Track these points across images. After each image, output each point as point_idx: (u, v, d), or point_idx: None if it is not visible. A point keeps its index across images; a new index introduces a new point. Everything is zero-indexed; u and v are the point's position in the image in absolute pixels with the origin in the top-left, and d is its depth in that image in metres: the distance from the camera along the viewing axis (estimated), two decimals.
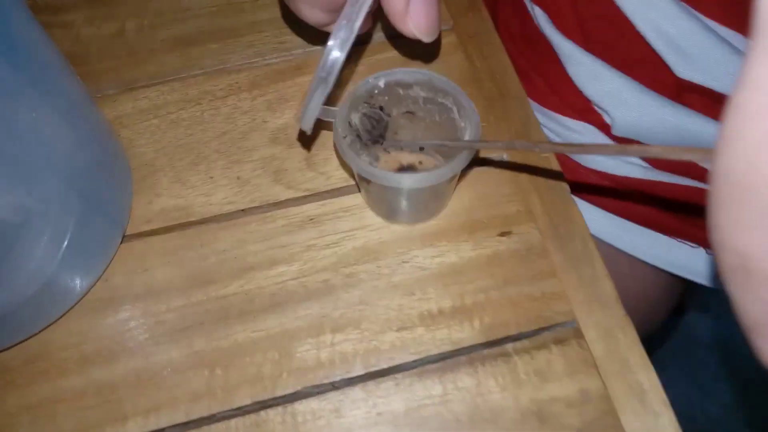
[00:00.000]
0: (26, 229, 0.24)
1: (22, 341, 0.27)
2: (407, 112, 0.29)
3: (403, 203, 0.29)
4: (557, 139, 0.38)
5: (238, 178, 0.31)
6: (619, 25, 0.34)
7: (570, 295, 0.28)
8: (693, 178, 0.36)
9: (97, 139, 0.28)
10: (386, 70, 0.27)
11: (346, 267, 0.29)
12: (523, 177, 0.31)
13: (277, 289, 0.28)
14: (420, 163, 0.31)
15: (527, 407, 0.25)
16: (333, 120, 0.26)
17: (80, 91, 0.27)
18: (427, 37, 0.25)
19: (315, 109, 0.24)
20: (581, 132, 0.36)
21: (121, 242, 0.29)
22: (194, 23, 0.37)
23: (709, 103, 0.34)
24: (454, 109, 0.27)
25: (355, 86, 0.27)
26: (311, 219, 0.30)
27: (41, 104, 0.24)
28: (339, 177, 0.31)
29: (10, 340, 0.27)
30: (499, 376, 0.26)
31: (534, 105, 0.38)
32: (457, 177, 0.28)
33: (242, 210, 0.30)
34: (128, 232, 0.30)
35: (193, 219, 0.30)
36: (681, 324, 0.95)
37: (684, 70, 0.33)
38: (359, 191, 0.31)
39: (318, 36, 0.35)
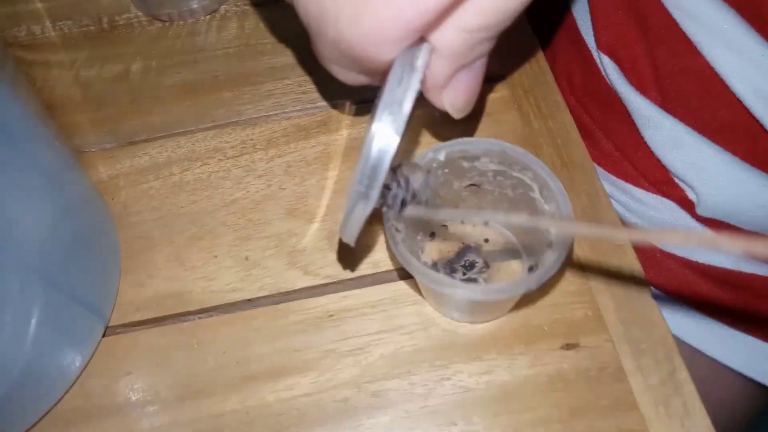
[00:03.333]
0: None
1: None
2: (471, 184, 0.24)
3: (461, 306, 0.23)
4: (628, 216, 0.31)
5: (246, 258, 0.26)
6: (708, 84, 0.28)
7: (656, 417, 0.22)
8: None
9: (77, 211, 0.24)
10: (445, 141, 0.22)
11: (372, 382, 0.23)
12: (592, 271, 0.25)
13: (284, 408, 0.23)
14: (486, 241, 0.25)
15: None
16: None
17: (60, 158, 0.23)
18: (459, 115, 0.21)
19: (358, 222, 0.19)
20: (658, 208, 0.30)
21: (104, 335, 0.25)
22: (207, 67, 0.32)
23: None
24: (535, 187, 0.22)
25: (409, 162, 0.22)
26: (331, 315, 0.25)
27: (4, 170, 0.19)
28: (369, 262, 0.26)
29: None
30: None
31: (601, 172, 0.32)
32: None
33: (249, 300, 0.25)
34: (112, 323, 0.25)
35: (190, 308, 0.25)
36: None
37: None
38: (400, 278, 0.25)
39: (350, 87, 0.30)
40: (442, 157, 0.22)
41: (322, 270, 0.26)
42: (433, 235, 0.26)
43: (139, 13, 0.35)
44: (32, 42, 0.34)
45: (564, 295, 0.25)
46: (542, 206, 0.22)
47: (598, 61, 0.32)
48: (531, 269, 0.24)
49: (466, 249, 0.25)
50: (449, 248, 0.25)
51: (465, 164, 0.23)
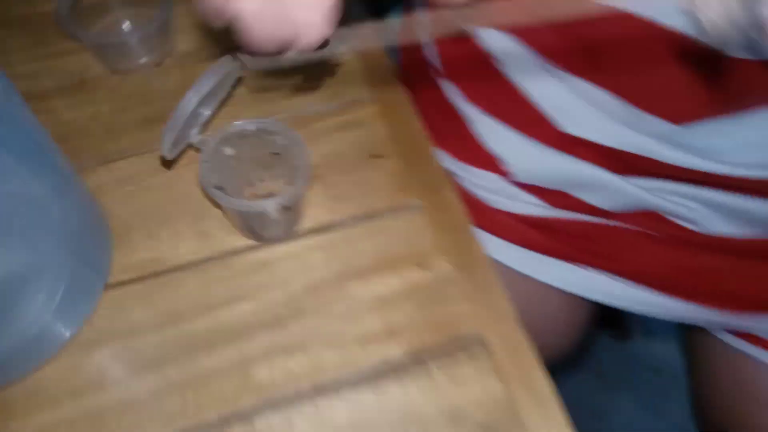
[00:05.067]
0: (27, 285, 0.30)
1: (20, 379, 0.33)
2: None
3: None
4: (471, 188, 0.45)
5: (202, 231, 0.38)
6: (512, 94, 0.42)
7: (478, 315, 0.35)
8: (583, 212, 0.44)
9: (83, 205, 0.34)
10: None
11: (295, 302, 0.35)
12: (436, 220, 0.38)
13: (236, 323, 0.34)
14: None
15: (444, 409, 0.32)
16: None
17: (66, 167, 0.34)
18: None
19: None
20: (488, 179, 0.44)
21: (104, 291, 0.35)
22: (159, 104, 0.44)
23: (593, 153, 0.42)
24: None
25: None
26: (264, 264, 0.36)
27: (35, 180, 0.30)
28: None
29: (9, 379, 0.32)
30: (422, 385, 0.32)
31: (451, 159, 0.46)
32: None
33: (207, 258, 0.37)
34: (109, 282, 0.36)
35: (164, 268, 0.36)
36: (630, 350, 1.02)
37: (568, 127, 0.42)
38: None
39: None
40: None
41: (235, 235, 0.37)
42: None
43: (101, 70, 0.46)
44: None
45: (417, 237, 0.37)
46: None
47: (441, 83, 0.47)
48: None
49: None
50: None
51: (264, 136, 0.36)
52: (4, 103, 0.27)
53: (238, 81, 0.43)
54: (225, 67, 0.38)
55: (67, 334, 0.33)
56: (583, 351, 1.03)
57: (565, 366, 1.00)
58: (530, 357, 0.33)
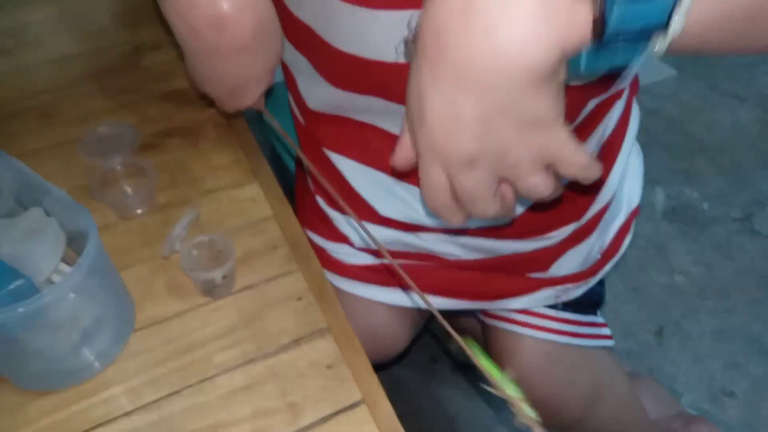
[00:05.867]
0: (101, 328, 0.62)
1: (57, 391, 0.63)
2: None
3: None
4: (329, 252, 0.81)
5: (182, 294, 0.71)
6: (350, 191, 0.78)
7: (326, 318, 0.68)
8: (397, 258, 0.79)
9: (121, 287, 0.67)
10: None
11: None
12: (305, 271, 0.72)
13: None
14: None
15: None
16: None
17: (115, 270, 0.67)
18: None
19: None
20: (340, 248, 0.80)
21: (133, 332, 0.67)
22: (154, 234, 0.78)
23: (398, 224, 0.78)
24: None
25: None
26: (215, 309, 0.70)
27: (105, 281, 0.63)
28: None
29: (53, 387, 0.63)
30: None
31: (316, 236, 0.82)
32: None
33: (186, 309, 0.69)
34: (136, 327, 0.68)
35: (163, 318, 0.69)
36: None
37: (380, 210, 0.78)
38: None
39: None
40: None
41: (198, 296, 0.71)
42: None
43: (114, 218, 0.80)
44: None
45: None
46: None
47: (313, 193, 0.83)
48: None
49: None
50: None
51: (212, 243, 0.70)
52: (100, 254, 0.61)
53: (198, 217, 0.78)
54: (190, 213, 0.73)
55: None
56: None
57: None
58: (361, 350, 0.66)
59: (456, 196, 0.40)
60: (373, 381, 0.63)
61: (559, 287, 0.80)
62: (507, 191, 0.40)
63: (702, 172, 1.84)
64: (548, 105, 0.34)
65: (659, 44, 0.33)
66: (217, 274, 0.66)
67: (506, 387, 0.43)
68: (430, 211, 0.44)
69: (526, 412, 0.41)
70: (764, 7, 0.32)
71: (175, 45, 1.07)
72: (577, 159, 0.37)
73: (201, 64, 0.62)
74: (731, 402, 1.37)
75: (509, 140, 0.35)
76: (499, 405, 1.36)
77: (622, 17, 0.30)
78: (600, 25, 0.31)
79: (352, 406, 0.61)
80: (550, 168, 0.38)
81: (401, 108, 0.42)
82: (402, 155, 0.43)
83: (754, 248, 1.65)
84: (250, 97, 0.66)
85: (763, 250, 1.64)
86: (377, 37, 0.51)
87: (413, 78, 0.37)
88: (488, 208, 0.40)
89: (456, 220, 0.43)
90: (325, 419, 0.60)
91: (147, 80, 1.01)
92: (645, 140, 1.94)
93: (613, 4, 0.30)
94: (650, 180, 1.83)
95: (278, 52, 0.63)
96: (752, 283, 1.58)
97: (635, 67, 0.59)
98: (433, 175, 0.39)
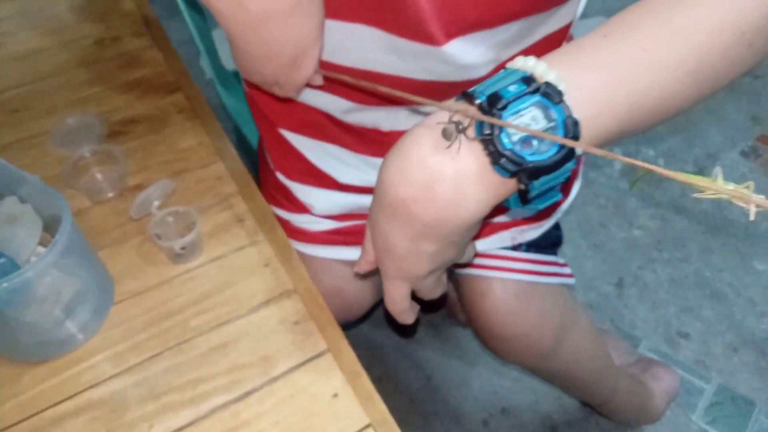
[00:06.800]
0: (83, 300, 0.68)
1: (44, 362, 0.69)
2: None
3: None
4: (293, 222, 0.87)
5: (158, 264, 0.76)
6: (310, 167, 0.84)
7: (292, 282, 0.74)
8: (356, 219, 0.86)
9: (99, 265, 0.72)
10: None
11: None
12: (273, 241, 0.78)
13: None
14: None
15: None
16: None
17: (92, 251, 0.72)
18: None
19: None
20: (303, 217, 0.86)
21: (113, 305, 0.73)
22: (125, 206, 0.83)
23: (356, 188, 0.84)
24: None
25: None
26: (187, 271, 0.75)
27: (83, 261, 0.68)
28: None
29: (42, 358, 0.69)
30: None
31: (281, 210, 0.88)
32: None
33: (166, 279, 0.75)
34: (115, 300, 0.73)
35: (144, 289, 0.74)
36: None
37: (340, 178, 0.84)
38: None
39: None
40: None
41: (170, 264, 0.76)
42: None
43: (89, 202, 0.84)
44: None
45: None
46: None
47: (274, 169, 0.89)
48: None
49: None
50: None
51: (185, 213, 0.76)
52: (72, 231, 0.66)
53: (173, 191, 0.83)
54: (164, 182, 0.78)
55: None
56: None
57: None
58: (325, 306, 0.73)
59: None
60: (336, 332, 0.69)
61: (514, 229, 0.87)
62: (443, 277, 0.56)
63: (657, 131, 1.92)
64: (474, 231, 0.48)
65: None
66: (176, 244, 0.72)
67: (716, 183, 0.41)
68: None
69: (754, 197, 0.39)
70: (637, 103, 0.43)
71: (137, 35, 1.11)
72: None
73: (251, 43, 0.54)
74: (686, 343, 1.47)
75: (453, 257, 0.50)
76: (473, 361, 1.45)
77: (540, 186, 0.42)
78: (525, 193, 0.43)
79: (319, 355, 0.68)
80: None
81: (348, 103, 0.49)
82: (365, 267, 0.55)
83: (706, 200, 1.74)
84: (311, 62, 0.58)
85: (714, 202, 1.74)
86: (329, 41, 0.58)
87: (379, 221, 0.48)
88: (438, 293, 0.56)
89: (410, 320, 0.57)
90: (294, 368, 0.67)
91: (110, 71, 1.05)
92: None
93: (532, 181, 0.41)
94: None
95: (321, 2, 0.55)
96: (705, 233, 1.68)
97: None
98: (399, 289, 0.52)
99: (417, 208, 0.43)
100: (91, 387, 0.65)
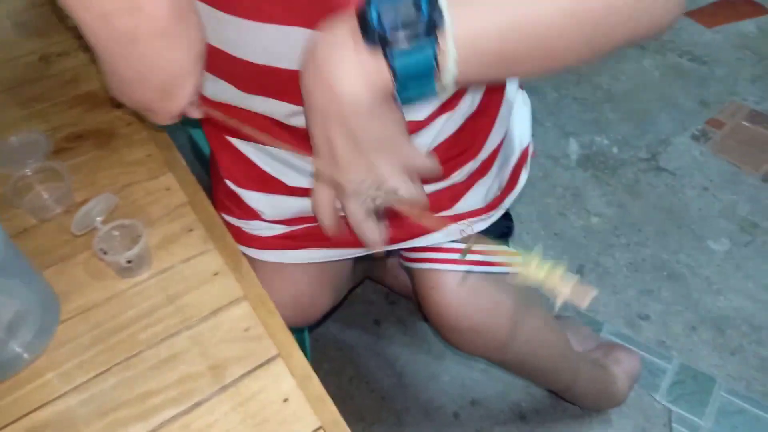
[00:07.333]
0: (24, 322, 0.67)
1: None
2: None
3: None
4: (244, 229, 0.87)
5: (106, 278, 0.76)
6: (261, 173, 0.85)
7: (242, 288, 0.75)
8: (307, 223, 0.87)
9: (41, 283, 0.72)
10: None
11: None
12: (222, 249, 0.79)
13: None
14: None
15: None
16: None
17: (33, 271, 0.71)
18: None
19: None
20: (253, 224, 0.86)
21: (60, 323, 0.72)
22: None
23: (303, 191, 0.85)
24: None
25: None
26: (134, 285, 0.75)
27: (25, 280, 0.68)
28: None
29: None
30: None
31: (231, 218, 0.89)
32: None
33: (115, 294, 0.75)
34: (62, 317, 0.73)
35: (92, 305, 0.74)
36: None
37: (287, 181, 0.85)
38: None
39: None
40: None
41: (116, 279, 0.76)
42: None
43: (35, 221, 0.84)
44: None
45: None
46: None
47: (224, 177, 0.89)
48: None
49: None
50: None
51: (131, 227, 0.76)
52: (7, 251, 0.66)
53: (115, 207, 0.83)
54: (106, 196, 0.78)
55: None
56: None
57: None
58: (275, 311, 0.73)
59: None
60: (287, 336, 0.70)
61: (463, 222, 0.88)
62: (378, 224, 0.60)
63: (610, 120, 1.97)
64: (385, 126, 0.50)
65: (445, 79, 0.48)
66: (122, 258, 0.72)
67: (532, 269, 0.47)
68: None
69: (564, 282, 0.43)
70: (511, 27, 0.47)
71: (83, 49, 1.10)
72: (421, 162, 0.55)
73: (119, 64, 0.53)
74: (646, 324, 1.51)
75: (372, 162, 0.52)
76: (441, 354, 1.46)
77: (404, 67, 0.47)
78: (393, 72, 0.47)
79: (269, 360, 0.68)
80: (406, 173, 0.54)
81: (291, 107, 0.59)
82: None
83: (660, 184, 1.79)
84: (184, 93, 0.57)
85: (668, 185, 1.79)
86: (266, 45, 0.59)
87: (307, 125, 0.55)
88: (370, 234, 0.61)
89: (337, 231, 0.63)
90: (245, 375, 0.67)
91: (56, 87, 1.04)
92: (558, 96, 2.06)
93: (393, 60, 0.47)
94: (564, 133, 1.95)
95: (202, 37, 0.55)
96: (660, 216, 1.72)
97: (444, 95, 0.74)
98: (323, 192, 0.60)
99: (314, 98, 0.50)
100: (39, 407, 0.65)
